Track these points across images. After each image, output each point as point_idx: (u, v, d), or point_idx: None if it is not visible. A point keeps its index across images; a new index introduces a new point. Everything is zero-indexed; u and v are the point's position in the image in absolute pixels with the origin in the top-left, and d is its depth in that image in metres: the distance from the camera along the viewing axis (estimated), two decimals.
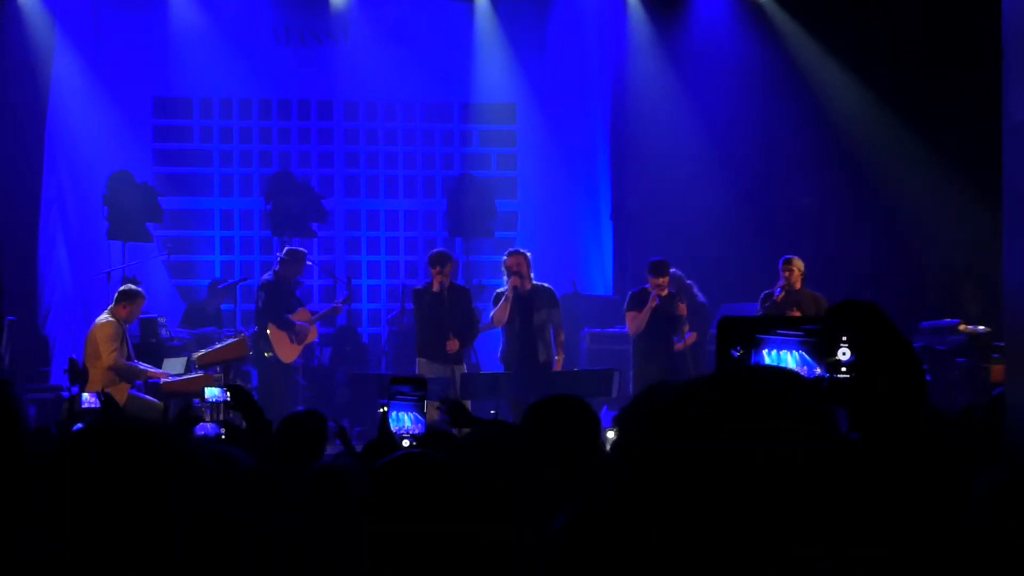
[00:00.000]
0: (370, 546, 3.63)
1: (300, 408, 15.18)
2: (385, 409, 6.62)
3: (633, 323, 15.36)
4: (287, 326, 16.18)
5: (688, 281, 16.52)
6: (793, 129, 18.90)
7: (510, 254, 15.32)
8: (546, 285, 15.36)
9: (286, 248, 16.97)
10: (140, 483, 2.35)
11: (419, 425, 6.58)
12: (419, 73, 19.99)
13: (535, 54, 20.14)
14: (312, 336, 16.66)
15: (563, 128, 20.32)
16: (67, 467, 2.40)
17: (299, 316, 16.29)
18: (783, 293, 15.24)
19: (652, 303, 15.16)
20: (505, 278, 15.24)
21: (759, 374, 2.12)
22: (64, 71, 18.90)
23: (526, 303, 15.03)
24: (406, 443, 6.32)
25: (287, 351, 16.23)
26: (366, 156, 20.56)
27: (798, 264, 15.38)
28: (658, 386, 2.09)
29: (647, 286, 15.33)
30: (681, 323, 15.26)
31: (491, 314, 15.30)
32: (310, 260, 17.19)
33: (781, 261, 15.47)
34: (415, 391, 6.65)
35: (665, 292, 15.22)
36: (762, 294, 15.69)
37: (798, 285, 15.34)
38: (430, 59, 19.98)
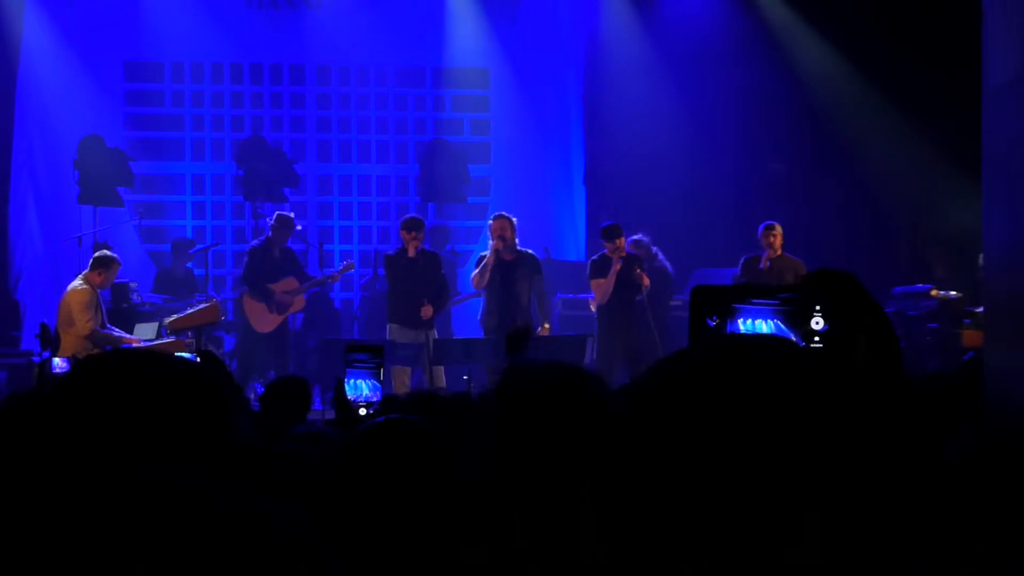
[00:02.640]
0: (347, 516, 3.63)
1: (272, 375, 15.28)
2: (341, 378, 6.59)
3: (599, 291, 15.32)
4: (264, 295, 16.15)
5: (654, 249, 16.52)
6: (765, 94, 18.90)
7: (495, 218, 15.29)
8: (530, 251, 15.34)
9: (276, 213, 16.90)
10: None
11: (377, 393, 6.56)
12: (392, 37, 19.92)
13: (508, 19, 20.09)
14: (298, 306, 16.59)
15: (536, 93, 20.28)
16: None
17: (284, 285, 16.24)
18: (768, 262, 15.29)
19: (616, 266, 15.13)
20: (489, 242, 15.23)
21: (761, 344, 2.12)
22: (34, 34, 18.79)
23: (508, 268, 15.00)
24: (363, 411, 6.28)
25: (263, 321, 16.19)
26: (338, 121, 20.50)
27: (779, 230, 15.44)
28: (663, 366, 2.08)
29: (606, 252, 15.30)
30: (641, 287, 15.21)
31: (471, 275, 15.29)
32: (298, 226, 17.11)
33: (761, 228, 15.51)
34: (372, 358, 6.61)
35: (624, 254, 15.19)
36: (743, 259, 15.73)
37: (779, 252, 15.40)
38: (403, 23, 19.92)
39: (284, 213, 16.86)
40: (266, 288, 16.15)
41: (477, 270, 15.13)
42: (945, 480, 3.66)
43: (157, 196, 19.93)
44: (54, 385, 2.37)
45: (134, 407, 2.30)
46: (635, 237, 16.36)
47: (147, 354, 2.42)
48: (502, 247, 14.97)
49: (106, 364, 2.39)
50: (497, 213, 15.53)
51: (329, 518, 3.70)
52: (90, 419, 2.28)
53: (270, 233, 16.45)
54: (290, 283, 16.29)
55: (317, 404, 13.93)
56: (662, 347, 14.86)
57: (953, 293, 16.36)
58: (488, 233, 15.32)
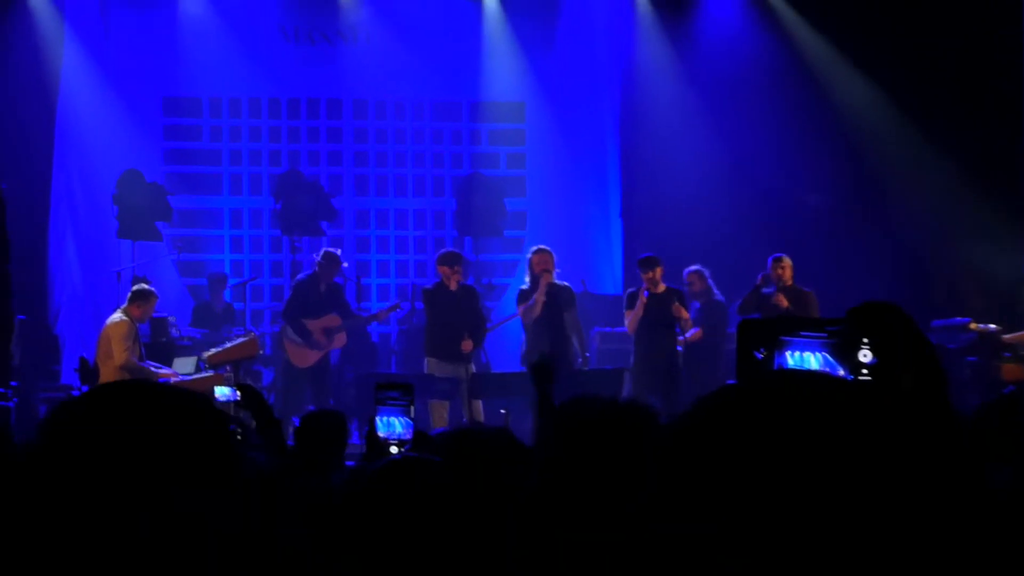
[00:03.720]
0: (360, 552, 3.62)
1: (311, 408, 15.30)
2: (373, 416, 6.60)
3: (628, 321, 15.33)
4: (301, 333, 16.16)
5: (710, 281, 16.48)
6: (802, 127, 18.86)
7: (538, 251, 15.27)
8: (566, 284, 15.35)
9: (324, 250, 16.91)
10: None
11: (408, 430, 6.57)
12: (428, 71, 19.98)
13: (544, 52, 20.12)
14: (339, 343, 16.55)
15: (572, 126, 20.31)
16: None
17: (326, 321, 16.25)
18: (779, 295, 15.26)
19: (642, 299, 15.10)
20: (527, 276, 15.23)
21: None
22: (73, 70, 18.90)
23: (549, 302, 15.01)
24: (394, 449, 6.29)
25: (301, 356, 16.21)
26: (375, 155, 20.55)
27: (787, 262, 15.42)
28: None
29: (643, 284, 15.29)
30: (681, 320, 15.17)
31: (520, 310, 15.20)
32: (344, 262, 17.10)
33: (770, 260, 15.50)
34: (403, 395, 6.62)
35: (662, 288, 15.16)
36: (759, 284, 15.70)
37: (789, 282, 15.38)
38: (439, 57, 19.98)
39: (332, 251, 16.87)
40: (302, 326, 16.15)
41: (527, 304, 15.06)
42: (994, 511, 3.64)
43: (195, 230, 20.01)
44: (60, 410, 2.38)
45: (142, 437, 2.32)
46: (693, 268, 16.37)
47: (153, 387, 2.44)
48: (551, 280, 14.99)
49: (113, 394, 2.41)
50: (538, 247, 15.51)
51: (333, 547, 3.71)
52: (99, 447, 2.30)
53: (317, 269, 16.48)
54: (332, 319, 16.29)
55: (355, 438, 13.94)
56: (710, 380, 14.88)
57: (992, 326, 16.28)
58: (528, 267, 15.29)
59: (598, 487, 3.57)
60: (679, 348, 15.34)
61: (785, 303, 15.15)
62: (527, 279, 15.31)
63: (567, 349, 14.92)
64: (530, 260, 15.26)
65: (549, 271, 14.98)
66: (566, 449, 3.70)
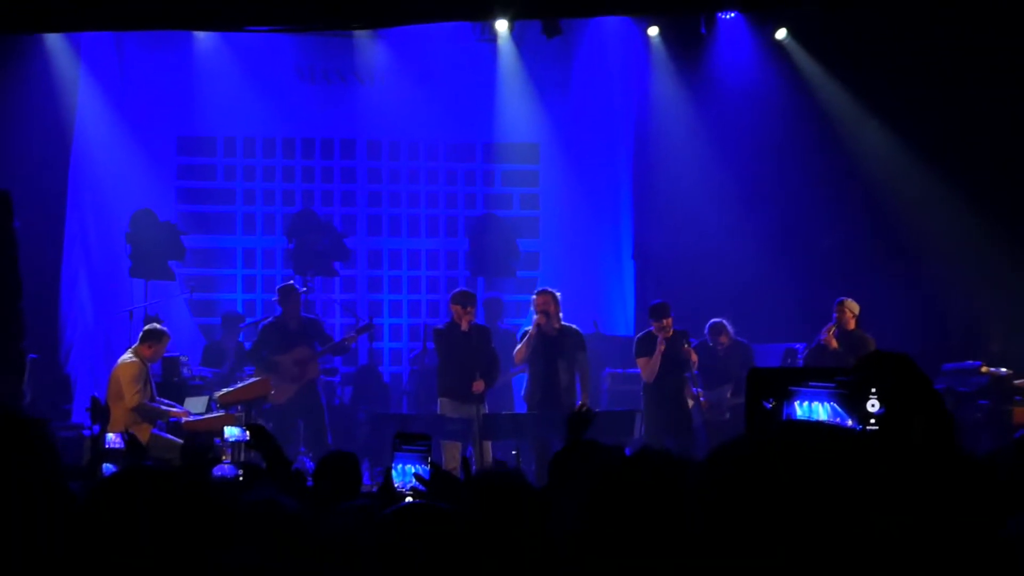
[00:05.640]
0: None
1: (303, 448, 15.30)
2: (389, 467, 6.62)
3: (646, 370, 15.24)
4: (269, 367, 16.05)
5: (731, 329, 16.48)
6: (816, 169, 18.85)
7: (538, 293, 15.24)
8: (574, 327, 15.26)
9: (278, 287, 16.86)
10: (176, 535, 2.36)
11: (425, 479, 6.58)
12: (442, 112, 20.03)
13: (558, 94, 20.16)
14: (311, 373, 16.44)
15: (586, 168, 20.33)
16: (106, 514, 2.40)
17: (296, 354, 16.19)
18: (829, 336, 15.25)
19: (661, 347, 15.05)
20: (534, 317, 15.22)
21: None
22: (88, 109, 18.93)
23: (552, 343, 14.94)
24: (409, 500, 6.30)
25: (276, 392, 15.99)
26: (389, 195, 20.58)
27: (851, 306, 15.42)
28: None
29: (651, 329, 15.24)
30: (689, 362, 15.17)
31: (514, 351, 15.23)
32: (333, 297, 17.10)
33: (835, 303, 15.51)
34: (420, 445, 6.64)
35: (670, 333, 15.14)
36: (821, 335, 15.67)
37: (852, 326, 15.35)
38: (454, 98, 20.02)
39: (284, 284, 16.81)
40: (269, 362, 16.06)
41: (520, 345, 15.09)
42: (1009, 557, 3.63)
43: (208, 270, 20.04)
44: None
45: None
46: (715, 321, 16.42)
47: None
48: (544, 322, 14.92)
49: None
50: (540, 288, 15.51)
51: None
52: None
53: (279, 310, 16.41)
54: (302, 351, 16.21)
55: (366, 478, 13.92)
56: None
57: (1004, 370, 16.25)
58: (532, 308, 15.30)
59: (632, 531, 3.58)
60: (696, 391, 15.30)
61: (835, 344, 15.16)
62: (532, 320, 15.31)
63: (559, 393, 14.84)
64: (533, 301, 15.25)
65: (548, 313, 14.93)
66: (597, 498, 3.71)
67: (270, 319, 16.68)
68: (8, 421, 2.72)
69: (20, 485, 2.72)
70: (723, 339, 16.43)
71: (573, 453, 5.17)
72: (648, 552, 3.55)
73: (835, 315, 15.49)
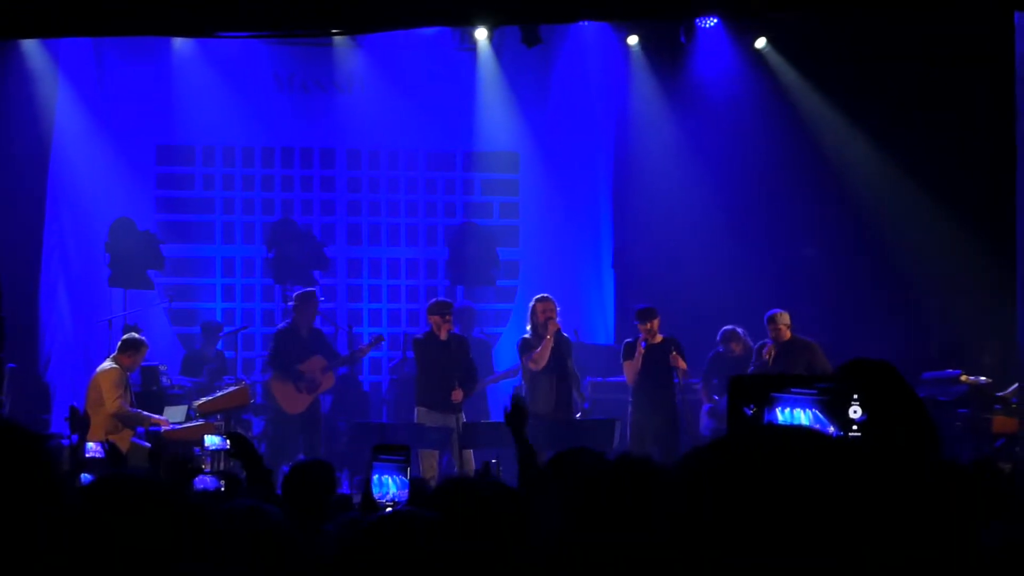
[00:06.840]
0: None
1: (301, 457, 15.25)
2: (367, 478, 6.61)
3: (629, 373, 15.36)
4: (293, 376, 16.15)
5: (747, 338, 16.56)
6: (796, 179, 18.90)
7: (541, 300, 15.30)
8: (565, 334, 15.40)
9: (296, 293, 16.96)
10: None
11: (404, 490, 6.58)
12: (422, 122, 20.00)
13: (538, 103, 20.16)
14: (327, 384, 16.58)
15: (565, 177, 20.33)
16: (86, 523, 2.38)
17: (311, 364, 16.24)
18: (770, 351, 15.35)
19: (640, 350, 15.14)
20: (528, 326, 15.25)
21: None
22: (67, 118, 18.87)
23: (558, 349, 15.06)
24: (389, 510, 6.29)
25: (293, 402, 16.18)
26: (368, 204, 20.55)
27: (782, 318, 15.51)
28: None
29: (640, 335, 15.32)
30: (677, 370, 15.20)
31: (531, 357, 15.16)
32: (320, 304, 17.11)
33: (766, 318, 15.60)
34: (399, 456, 6.64)
35: (659, 339, 15.20)
36: (754, 346, 15.91)
37: (787, 336, 15.45)
38: (433, 107, 20.00)
39: (304, 290, 16.88)
40: (294, 368, 16.16)
41: (535, 353, 15.06)
42: (987, 566, 3.63)
43: (187, 279, 19.98)
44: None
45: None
46: (727, 329, 16.50)
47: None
48: (559, 328, 15.05)
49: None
50: (541, 295, 15.56)
51: None
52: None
53: (294, 314, 16.48)
54: (318, 362, 16.29)
55: (345, 487, 13.89)
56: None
57: (983, 379, 16.30)
58: (531, 316, 15.29)
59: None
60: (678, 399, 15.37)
61: (771, 353, 15.26)
62: (528, 328, 15.32)
63: (571, 398, 15.01)
64: (533, 308, 15.26)
65: (554, 319, 15.03)
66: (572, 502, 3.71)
67: (283, 326, 16.72)
68: (10, 437, 2.69)
69: (21, 503, 2.70)
70: (735, 346, 16.49)
71: (555, 460, 5.17)
72: (625, 555, 3.55)
73: (769, 332, 15.59)
